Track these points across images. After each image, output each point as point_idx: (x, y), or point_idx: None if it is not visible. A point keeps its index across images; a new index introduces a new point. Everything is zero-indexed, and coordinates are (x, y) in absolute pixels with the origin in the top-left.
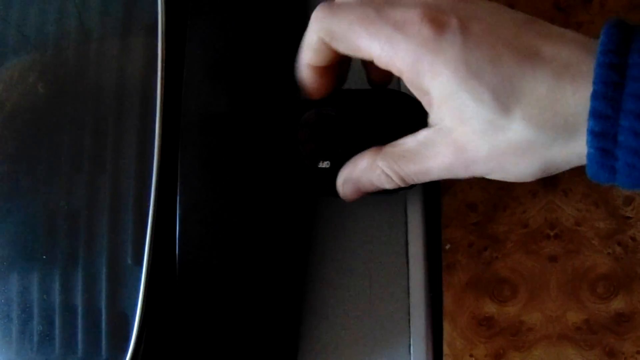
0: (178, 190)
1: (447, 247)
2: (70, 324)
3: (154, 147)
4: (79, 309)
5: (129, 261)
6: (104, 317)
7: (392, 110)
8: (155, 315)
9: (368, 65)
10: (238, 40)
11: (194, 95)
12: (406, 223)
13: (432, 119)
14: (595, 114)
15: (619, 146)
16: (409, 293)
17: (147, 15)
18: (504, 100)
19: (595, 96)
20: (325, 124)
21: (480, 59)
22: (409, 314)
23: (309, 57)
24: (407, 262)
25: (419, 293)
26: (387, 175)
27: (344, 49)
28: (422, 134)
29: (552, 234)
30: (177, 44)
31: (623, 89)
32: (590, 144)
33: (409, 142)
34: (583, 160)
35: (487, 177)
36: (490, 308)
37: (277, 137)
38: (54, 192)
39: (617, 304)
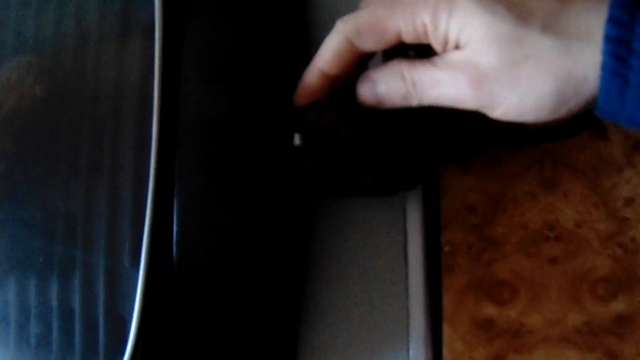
0: (175, 193)
1: (446, 249)
2: (67, 327)
3: (151, 149)
4: (77, 312)
5: (127, 264)
6: (101, 320)
7: (390, 112)
8: (153, 318)
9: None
10: (236, 42)
11: (192, 97)
12: (405, 225)
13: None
14: (612, 20)
15: (634, 54)
16: (408, 295)
17: (144, 18)
18: (518, 13)
19: (613, 4)
20: (325, 125)
21: None
22: (408, 316)
23: (326, 61)
24: (406, 265)
25: (418, 295)
26: (402, 76)
27: (372, 40)
28: (445, 56)
29: (551, 235)
30: (175, 46)
31: None
32: (605, 49)
33: (433, 58)
34: (599, 74)
35: (495, 109)
36: (490, 310)
37: (276, 139)
38: (51, 194)
39: (618, 306)
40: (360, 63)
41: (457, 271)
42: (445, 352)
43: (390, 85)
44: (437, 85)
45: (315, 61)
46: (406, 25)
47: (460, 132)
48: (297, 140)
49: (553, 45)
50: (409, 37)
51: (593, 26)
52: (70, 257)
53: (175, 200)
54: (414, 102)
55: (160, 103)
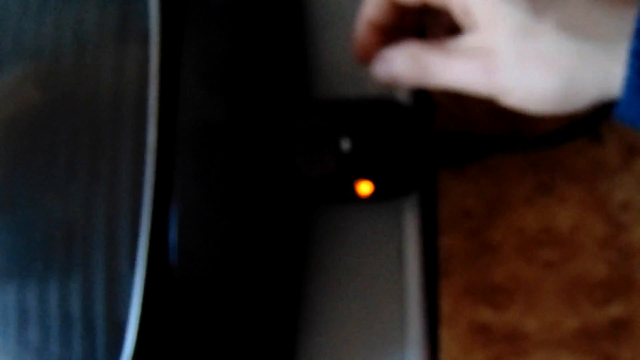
0: (174, 199)
1: (443, 253)
2: (65, 333)
3: (150, 155)
4: (75, 318)
5: (125, 270)
6: (99, 326)
7: (386, 120)
8: (151, 324)
9: (429, 18)
10: (234, 49)
11: (190, 104)
12: (401, 230)
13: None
14: (638, 35)
15: None
16: (404, 300)
17: (142, 25)
18: (538, 5)
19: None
20: (321, 133)
21: None
22: (404, 321)
23: (369, 11)
24: (403, 270)
25: (414, 300)
26: (414, 58)
27: None
28: (460, 40)
29: (547, 240)
30: (173, 53)
31: None
32: (629, 63)
33: (447, 42)
34: (610, 84)
35: (505, 97)
36: (486, 315)
37: (273, 146)
38: (50, 201)
39: (615, 311)
40: (410, 15)
41: (454, 276)
42: (442, 357)
43: (402, 66)
44: (450, 71)
45: (361, 12)
46: None
47: (455, 140)
48: (346, 145)
49: (567, 45)
50: (436, 1)
51: (614, 32)
52: (68, 263)
53: (173, 207)
54: (426, 84)
55: (158, 110)
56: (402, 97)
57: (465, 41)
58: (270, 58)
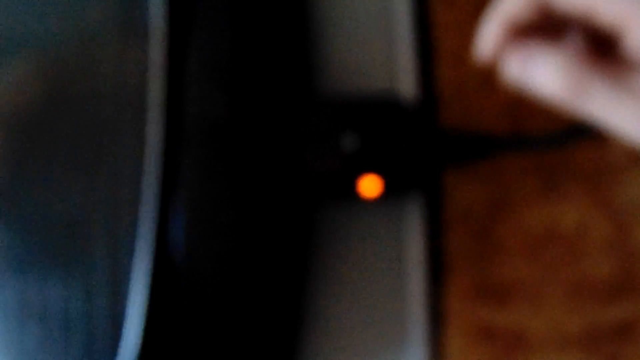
0: (180, 196)
1: (446, 253)
2: (67, 331)
3: (154, 152)
4: (77, 315)
5: (128, 268)
6: (102, 324)
7: (390, 117)
8: (155, 322)
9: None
10: (240, 45)
11: (195, 101)
12: (405, 229)
13: None
14: None
15: None
16: (407, 300)
17: (149, 20)
18: None
19: None
20: (326, 129)
21: None
22: (406, 321)
23: (512, 9)
24: (406, 269)
25: (417, 300)
26: (572, 73)
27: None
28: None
29: (552, 239)
30: (180, 49)
31: None
32: None
33: (623, 70)
34: None
35: None
36: (489, 314)
37: (278, 142)
38: (53, 196)
39: (620, 311)
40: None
41: (457, 275)
42: (444, 357)
43: (552, 79)
44: (619, 113)
45: (499, 6)
46: (603, 4)
47: (460, 139)
48: (350, 141)
49: None
50: (600, 15)
51: None
52: (71, 259)
53: (179, 203)
54: (567, 106)
55: (163, 106)
56: (406, 93)
57: None
58: (275, 54)
